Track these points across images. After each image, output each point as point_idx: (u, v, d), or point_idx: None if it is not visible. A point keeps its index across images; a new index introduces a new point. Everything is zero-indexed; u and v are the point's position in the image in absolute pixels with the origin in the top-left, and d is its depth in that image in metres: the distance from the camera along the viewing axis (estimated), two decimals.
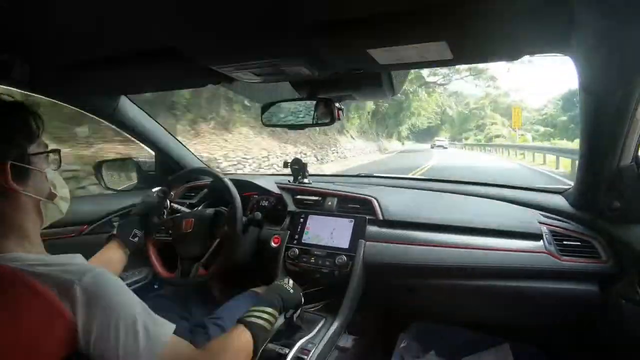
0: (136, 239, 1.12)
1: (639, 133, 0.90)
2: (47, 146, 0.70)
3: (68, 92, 1.19)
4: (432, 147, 30.91)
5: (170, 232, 1.27)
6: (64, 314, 0.54)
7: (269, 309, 0.85)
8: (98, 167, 1.55)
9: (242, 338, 0.75)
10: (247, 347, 0.75)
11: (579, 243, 1.09)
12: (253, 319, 0.81)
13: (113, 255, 1.05)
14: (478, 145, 32.56)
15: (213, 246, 1.21)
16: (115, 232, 1.11)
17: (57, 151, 0.72)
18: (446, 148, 30.97)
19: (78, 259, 0.65)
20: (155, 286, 1.53)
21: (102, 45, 0.87)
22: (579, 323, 1.17)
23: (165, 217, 1.31)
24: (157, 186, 1.30)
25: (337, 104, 1.09)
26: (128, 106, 1.41)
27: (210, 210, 1.28)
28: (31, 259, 0.59)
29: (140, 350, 0.57)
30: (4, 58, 0.90)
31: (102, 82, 1.15)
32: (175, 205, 1.39)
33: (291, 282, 1.01)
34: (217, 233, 1.23)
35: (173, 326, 0.64)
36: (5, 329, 0.50)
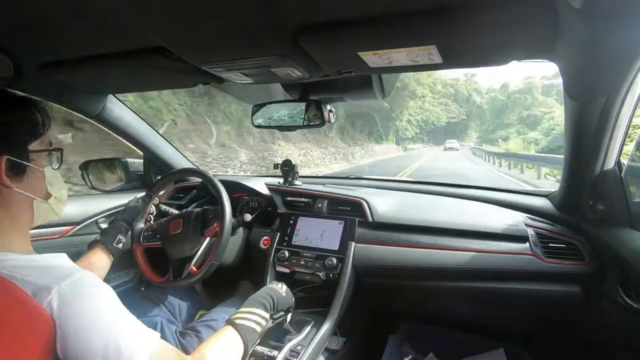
0: (120, 244, 1.09)
1: (622, 138, 0.93)
2: (50, 144, 0.68)
3: (53, 91, 1.16)
4: (444, 150, 31.91)
5: (158, 236, 1.25)
6: (45, 318, 0.52)
7: (259, 310, 0.84)
8: (84, 166, 1.52)
9: (231, 340, 0.74)
10: (236, 350, 0.74)
11: (563, 245, 1.11)
12: (242, 321, 0.79)
13: (97, 262, 1.02)
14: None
15: (203, 245, 1.19)
16: (98, 237, 1.09)
17: (60, 150, 0.71)
18: (457, 150, 31.50)
19: (62, 259, 0.62)
20: (143, 287, 1.51)
21: (88, 44, 0.85)
22: (563, 324, 1.20)
23: (151, 222, 1.29)
24: (145, 187, 1.28)
25: (327, 106, 1.09)
26: (116, 106, 1.39)
27: (198, 209, 1.27)
28: (15, 259, 0.57)
29: (128, 351, 0.54)
30: None
31: (89, 80, 1.13)
32: (164, 207, 1.37)
33: (284, 286, 1.00)
34: (207, 231, 1.21)
35: (157, 334, 0.61)
36: None
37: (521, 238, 1.13)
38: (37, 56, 0.94)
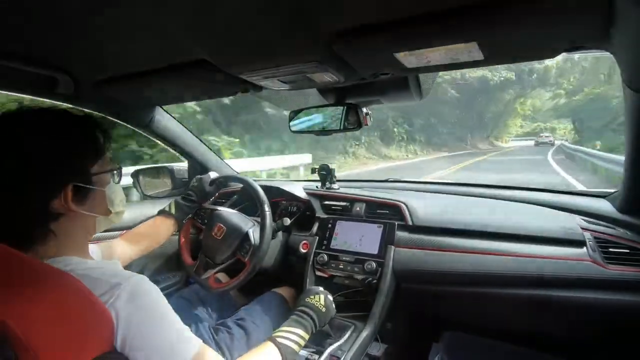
0: (185, 221, 1.22)
1: None
2: (110, 160, 0.71)
3: (108, 105, 1.26)
4: (535, 145, 28.46)
5: (206, 221, 1.30)
6: (106, 315, 0.57)
7: (301, 332, 0.86)
8: (135, 175, 1.63)
9: (271, 355, 0.77)
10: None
11: (627, 250, 1.01)
12: (284, 341, 0.82)
13: (163, 231, 1.16)
14: None
15: (227, 263, 1.22)
16: (173, 211, 1.20)
17: (119, 169, 0.74)
18: (553, 145, 26.66)
19: (116, 265, 0.69)
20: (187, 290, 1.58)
21: (138, 61, 0.92)
22: (627, 337, 1.09)
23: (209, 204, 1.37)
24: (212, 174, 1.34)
25: (364, 109, 1.08)
26: (163, 116, 1.47)
27: (244, 228, 1.25)
28: (80, 263, 0.63)
29: (174, 352, 0.60)
30: (50, 74, 0.98)
31: (139, 94, 1.21)
32: (211, 206, 1.43)
33: (322, 297, 0.99)
34: (239, 255, 1.22)
35: (199, 341, 0.66)
36: (53, 327, 0.53)
37: (577, 242, 1.05)
38: (95, 74, 1.03)
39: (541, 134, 33.52)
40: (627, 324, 1.04)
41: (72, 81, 1.03)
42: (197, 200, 1.26)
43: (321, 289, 1.02)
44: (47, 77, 0.98)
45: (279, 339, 0.81)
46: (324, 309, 0.96)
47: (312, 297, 0.98)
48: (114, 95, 1.17)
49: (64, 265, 0.60)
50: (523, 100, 35.91)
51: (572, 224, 1.10)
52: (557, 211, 1.22)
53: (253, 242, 1.21)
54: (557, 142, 27.89)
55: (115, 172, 0.72)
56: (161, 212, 1.20)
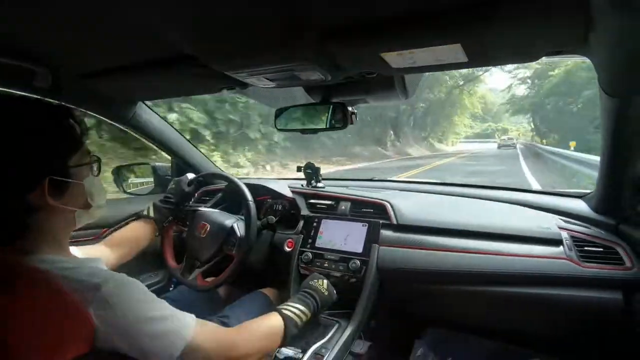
0: (165, 224, 1.19)
1: None
2: (89, 153, 0.69)
3: (88, 100, 1.22)
4: (499, 148, 28.37)
5: (187, 223, 1.29)
6: (84, 316, 0.55)
7: (303, 308, 0.91)
8: (116, 172, 1.59)
9: (275, 322, 0.83)
10: (278, 331, 0.82)
11: (601, 249, 1.05)
12: (287, 312, 0.87)
13: (143, 235, 1.13)
14: None
15: (217, 259, 1.22)
16: (152, 214, 1.17)
17: (98, 160, 0.72)
18: (514, 147, 26.81)
19: (96, 263, 0.67)
20: (171, 288, 1.56)
21: (120, 54, 0.90)
22: (601, 333, 1.13)
23: (189, 205, 1.34)
24: (190, 176, 1.32)
25: (350, 108, 1.09)
26: (145, 112, 1.44)
27: (228, 223, 1.26)
28: (60, 261, 0.61)
29: (170, 341, 0.61)
30: (27, 66, 0.94)
31: (121, 89, 1.18)
32: (194, 205, 1.41)
33: (325, 282, 1.05)
34: (225, 249, 1.23)
35: (193, 318, 0.68)
36: (29, 325, 0.52)
37: (554, 241, 1.08)
38: (74, 67, 1.00)
39: (503, 136, 34.20)
40: (600, 320, 1.08)
41: (50, 74, 0.99)
42: (176, 202, 1.24)
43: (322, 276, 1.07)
44: (23, 69, 0.94)
45: (284, 311, 0.87)
46: (326, 292, 1.02)
47: (316, 280, 1.04)
48: (94, 90, 1.14)
49: (42, 262, 0.59)
50: (472, 89, 29.70)
51: (550, 223, 1.14)
52: (536, 211, 1.25)
53: (239, 235, 1.22)
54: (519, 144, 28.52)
55: (94, 164, 0.70)
56: (140, 216, 1.18)
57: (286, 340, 0.84)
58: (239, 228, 1.24)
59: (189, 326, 0.66)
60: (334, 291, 1.06)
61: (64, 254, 0.66)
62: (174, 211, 1.24)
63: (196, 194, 1.34)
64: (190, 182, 1.28)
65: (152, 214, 1.18)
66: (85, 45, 0.85)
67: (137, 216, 1.18)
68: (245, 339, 0.76)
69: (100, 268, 0.65)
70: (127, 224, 1.49)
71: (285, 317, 0.85)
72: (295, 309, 0.89)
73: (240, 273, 1.18)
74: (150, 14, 0.66)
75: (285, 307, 0.89)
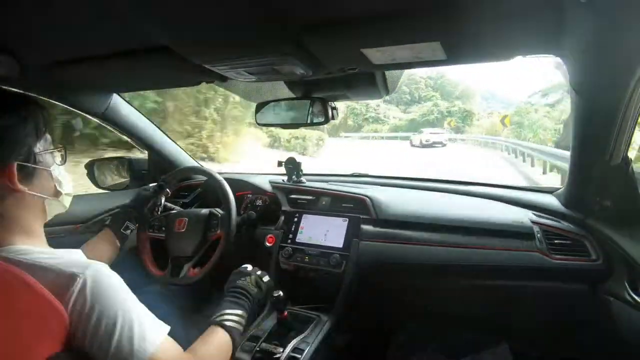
0: (128, 231, 1.11)
1: (629, 133, 0.91)
2: (52, 141, 0.69)
3: (58, 90, 1.17)
4: (422, 146, 19.69)
5: (163, 229, 1.26)
6: (58, 311, 0.53)
7: (241, 312, 0.85)
8: (90, 166, 1.53)
9: (222, 339, 0.78)
10: (227, 348, 0.78)
11: (569, 242, 1.10)
12: (230, 323, 0.81)
13: (104, 246, 1.05)
14: None
15: (204, 248, 1.21)
16: (108, 222, 1.11)
17: (63, 148, 0.72)
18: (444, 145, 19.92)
19: (74, 254, 0.65)
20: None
21: (92, 44, 0.86)
22: (570, 320, 1.19)
23: (158, 213, 1.30)
24: (152, 184, 1.29)
25: (331, 104, 1.09)
26: (120, 105, 1.40)
27: (204, 211, 1.27)
28: (35, 252, 0.59)
29: (133, 350, 0.57)
30: None
31: (93, 80, 1.14)
32: (169, 205, 1.38)
33: (253, 277, 0.95)
34: (210, 235, 1.22)
35: (167, 328, 0.64)
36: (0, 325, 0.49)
37: (527, 235, 1.13)
38: (43, 56, 0.95)
39: (428, 130, 22.37)
40: (568, 310, 1.14)
41: (16, 63, 0.94)
42: (133, 206, 1.19)
43: (250, 268, 0.98)
44: None
45: (226, 323, 0.80)
46: (255, 289, 0.93)
47: (243, 279, 0.94)
48: (65, 80, 1.09)
49: (13, 253, 0.57)
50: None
51: (524, 217, 1.18)
52: (510, 206, 1.29)
53: (219, 215, 1.23)
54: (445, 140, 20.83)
55: (59, 152, 0.70)
56: (103, 228, 1.10)
57: (236, 350, 0.80)
58: (218, 210, 1.25)
59: (162, 334, 0.62)
60: (265, 282, 0.96)
61: (39, 245, 0.64)
62: (136, 218, 1.17)
63: (169, 192, 1.30)
64: (156, 188, 1.25)
65: (114, 227, 1.10)
66: (53, 32, 0.80)
67: (102, 225, 1.12)
68: None
69: (78, 258, 0.63)
70: (102, 220, 1.46)
71: (230, 330, 0.80)
72: (234, 315, 0.84)
73: (230, 253, 1.17)
74: (120, 2, 0.63)
75: (224, 317, 0.82)
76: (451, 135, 24.02)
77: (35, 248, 0.61)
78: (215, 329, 0.79)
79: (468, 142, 22.28)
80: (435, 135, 21.26)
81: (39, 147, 0.64)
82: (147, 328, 0.60)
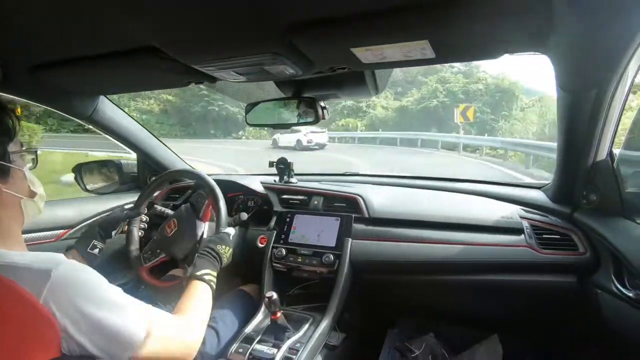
0: (96, 250, 1.06)
1: (614, 128, 0.94)
2: (22, 145, 0.69)
3: (43, 93, 1.15)
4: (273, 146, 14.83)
5: (158, 251, 1.24)
6: (44, 313, 0.52)
7: (215, 273, 0.94)
8: (77, 169, 1.51)
9: (206, 294, 0.87)
10: (208, 298, 0.87)
11: (557, 236, 1.12)
12: (207, 277, 0.90)
13: None
14: None
15: (205, 230, 1.22)
16: (74, 243, 1.07)
17: (35, 151, 0.73)
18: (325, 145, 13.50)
19: (49, 254, 0.63)
20: (142, 288, 1.50)
21: (79, 45, 0.84)
22: (559, 313, 1.21)
23: (145, 229, 1.30)
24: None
25: (321, 103, 1.09)
26: (107, 107, 1.37)
27: (186, 204, 1.26)
28: (11, 255, 0.58)
29: (130, 334, 0.59)
30: None
31: (79, 82, 1.12)
32: (160, 208, 1.36)
33: (230, 250, 1.04)
34: (202, 215, 1.22)
35: (149, 306, 0.67)
36: None
37: (516, 230, 1.14)
38: (27, 58, 0.93)
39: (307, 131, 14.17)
40: (557, 302, 1.16)
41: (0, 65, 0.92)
42: (101, 227, 1.12)
43: (233, 233, 1.09)
44: None
45: (205, 278, 0.89)
46: (226, 260, 1.02)
47: (223, 247, 1.02)
48: (50, 82, 1.07)
49: None
50: None
51: (513, 213, 1.20)
52: (499, 202, 1.31)
53: (199, 193, 1.24)
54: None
55: (27, 154, 0.71)
56: (69, 249, 1.05)
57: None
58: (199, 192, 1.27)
59: (147, 316, 0.64)
60: (227, 235, 1.07)
61: (18, 248, 0.63)
62: (101, 237, 1.11)
63: (159, 194, 1.29)
64: (123, 210, 1.24)
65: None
66: (37, 34, 0.78)
67: (68, 246, 1.07)
68: (195, 321, 0.78)
69: (51, 254, 0.61)
70: (88, 225, 1.43)
71: (211, 287, 0.89)
72: (212, 276, 0.92)
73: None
74: (104, 3, 0.62)
75: (205, 274, 0.91)
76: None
77: (12, 252, 0.60)
78: (196, 283, 0.88)
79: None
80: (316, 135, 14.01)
81: (11, 147, 0.65)
82: (133, 310, 0.62)
